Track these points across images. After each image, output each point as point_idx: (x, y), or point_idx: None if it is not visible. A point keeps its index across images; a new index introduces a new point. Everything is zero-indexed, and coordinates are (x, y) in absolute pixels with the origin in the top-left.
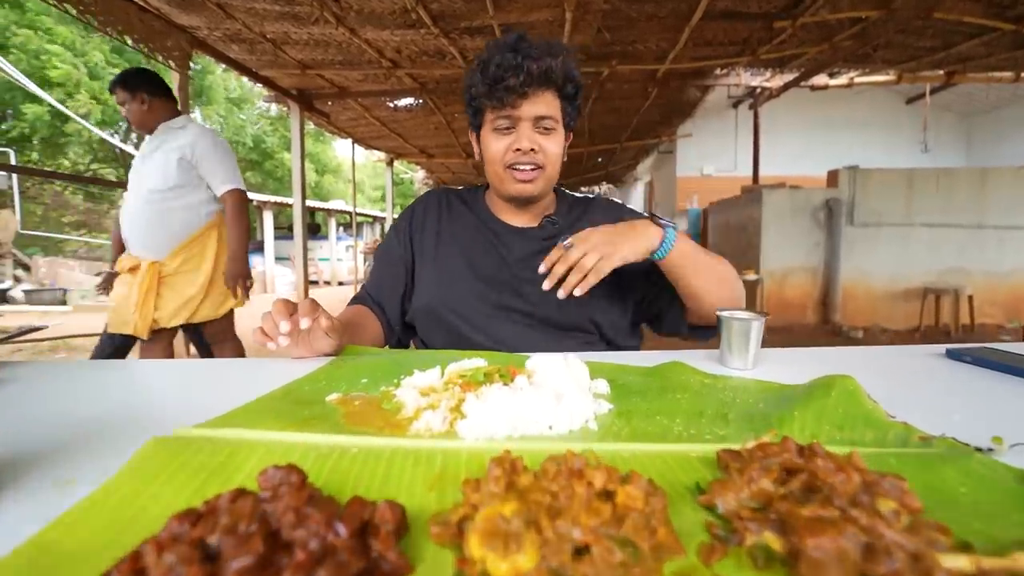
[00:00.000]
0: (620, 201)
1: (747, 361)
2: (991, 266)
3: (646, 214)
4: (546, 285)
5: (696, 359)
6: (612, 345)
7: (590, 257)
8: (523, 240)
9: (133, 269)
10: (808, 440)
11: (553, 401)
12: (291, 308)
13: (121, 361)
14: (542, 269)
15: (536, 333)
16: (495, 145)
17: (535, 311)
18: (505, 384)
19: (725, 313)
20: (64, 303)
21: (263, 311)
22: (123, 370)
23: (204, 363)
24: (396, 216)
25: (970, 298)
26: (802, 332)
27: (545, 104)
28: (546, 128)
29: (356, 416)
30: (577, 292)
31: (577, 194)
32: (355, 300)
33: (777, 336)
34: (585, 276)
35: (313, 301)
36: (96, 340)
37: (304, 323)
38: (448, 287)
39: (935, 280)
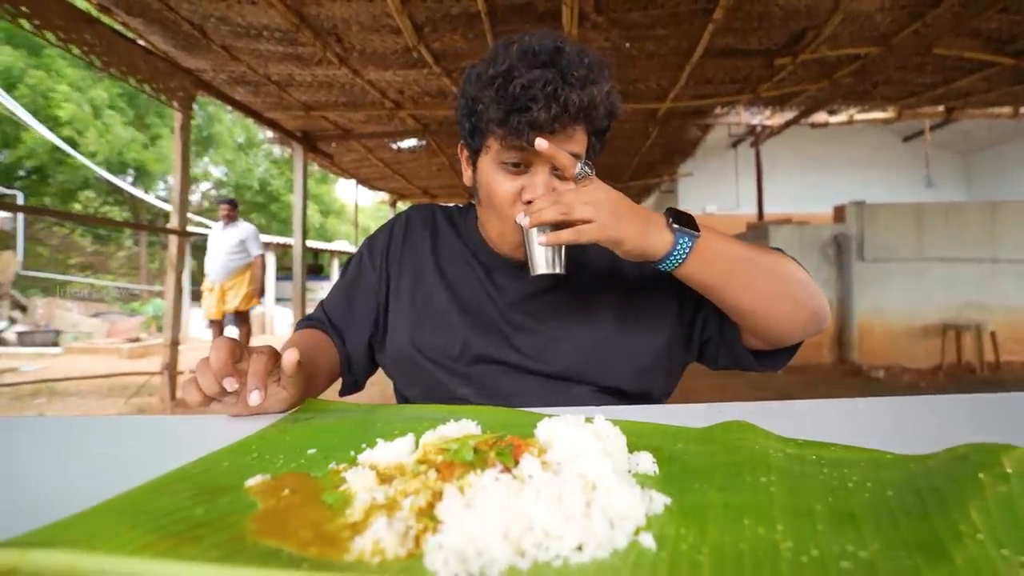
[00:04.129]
0: None
1: (549, 262)
2: (1011, 301)
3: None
4: (520, 218)
5: (755, 415)
6: (626, 398)
7: (586, 210)
8: (517, 279)
9: (211, 288)
10: (1020, 570)
11: (581, 499)
12: (236, 353)
13: None
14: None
15: (531, 383)
16: (501, 187)
17: (530, 366)
18: (506, 469)
19: (521, 217)
20: (56, 344)
21: (199, 357)
22: None
23: (117, 420)
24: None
25: (992, 334)
26: (819, 372)
27: (573, 143)
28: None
29: (275, 520)
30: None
31: None
32: (307, 321)
33: (795, 377)
34: (566, 225)
35: (270, 350)
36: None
37: (254, 398)
38: (428, 328)
39: (954, 316)
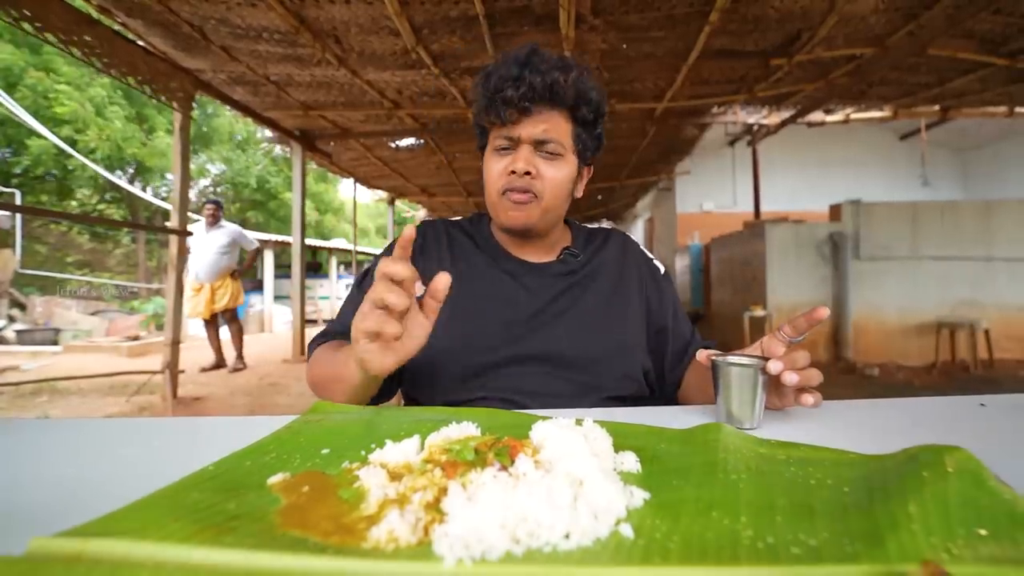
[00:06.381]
0: (633, 239)
1: (755, 417)
2: (1005, 299)
3: (651, 255)
4: (775, 366)
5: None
6: (638, 398)
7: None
8: (542, 278)
9: (199, 288)
10: (942, 553)
11: (569, 494)
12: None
13: None
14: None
15: (558, 383)
16: (492, 166)
17: (565, 354)
18: (503, 468)
19: (722, 359)
20: (56, 343)
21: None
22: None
23: (138, 423)
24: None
25: (986, 332)
26: None
27: (550, 125)
28: (549, 152)
29: (298, 513)
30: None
31: (590, 225)
32: (322, 337)
33: None
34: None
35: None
36: (80, 382)
37: (444, 279)
38: (456, 336)
39: (948, 314)
